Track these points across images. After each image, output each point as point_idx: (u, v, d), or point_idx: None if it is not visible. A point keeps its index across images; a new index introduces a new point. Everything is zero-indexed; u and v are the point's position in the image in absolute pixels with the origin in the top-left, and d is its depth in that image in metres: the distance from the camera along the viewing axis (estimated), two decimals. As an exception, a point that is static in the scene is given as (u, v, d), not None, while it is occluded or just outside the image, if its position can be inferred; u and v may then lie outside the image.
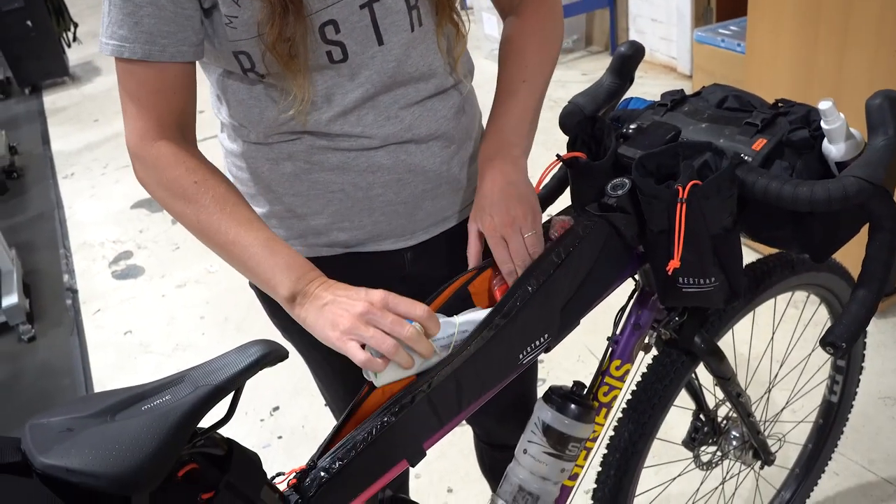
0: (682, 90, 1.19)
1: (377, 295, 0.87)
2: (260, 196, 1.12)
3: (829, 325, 1.21)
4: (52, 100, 5.74)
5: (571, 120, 1.14)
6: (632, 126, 1.10)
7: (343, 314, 0.87)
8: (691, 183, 0.94)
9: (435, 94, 1.09)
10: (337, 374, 1.26)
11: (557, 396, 1.05)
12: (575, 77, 4.30)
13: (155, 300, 3.01)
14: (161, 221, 3.56)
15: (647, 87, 4.05)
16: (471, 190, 1.17)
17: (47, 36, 5.77)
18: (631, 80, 1.21)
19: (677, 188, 0.94)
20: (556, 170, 1.18)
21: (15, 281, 3.00)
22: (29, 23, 5.64)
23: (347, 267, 1.13)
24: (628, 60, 1.17)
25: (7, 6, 5.52)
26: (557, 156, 1.07)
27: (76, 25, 6.11)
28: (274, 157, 1.07)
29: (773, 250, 1.24)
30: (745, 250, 1.01)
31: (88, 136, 4.80)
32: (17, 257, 3.21)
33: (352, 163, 1.06)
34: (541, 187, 1.17)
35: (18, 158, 4.63)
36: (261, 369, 0.76)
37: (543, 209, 1.19)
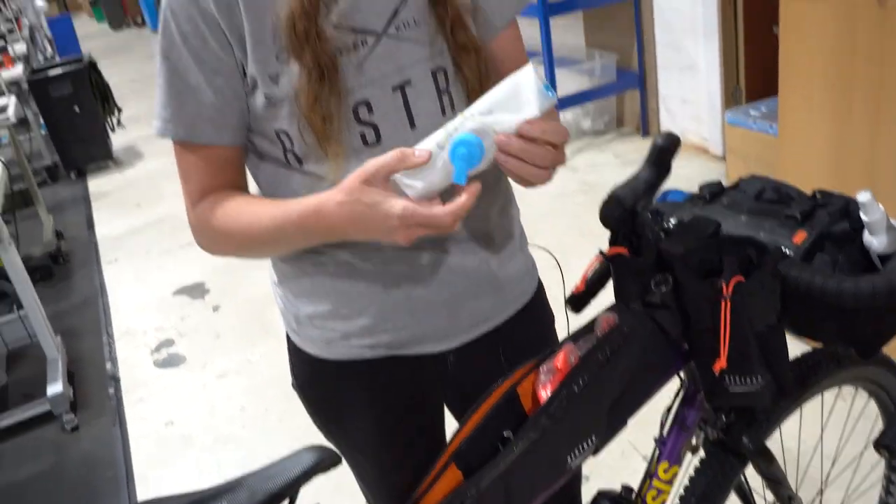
0: (719, 182, 1.20)
1: (399, 215, 0.88)
2: (304, 296, 1.15)
3: (880, 419, 1.19)
4: (96, 184, 5.90)
5: (612, 213, 1.15)
6: (672, 220, 1.12)
7: (387, 236, 0.91)
8: (735, 279, 0.94)
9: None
10: (382, 475, 1.25)
11: (607, 501, 1.04)
12: (607, 159, 4.33)
13: (196, 390, 3.03)
14: (202, 309, 3.61)
15: (679, 168, 3.99)
16: (511, 290, 1.19)
17: (93, 121, 5.96)
18: (668, 171, 1.23)
19: (721, 285, 0.94)
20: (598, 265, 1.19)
21: (60, 369, 3.05)
22: (76, 108, 5.83)
23: (391, 370, 1.14)
24: (665, 152, 1.19)
25: (57, 93, 5.73)
26: (600, 252, 1.09)
27: (120, 110, 6.30)
28: (317, 255, 1.10)
29: (818, 343, 1.23)
30: (789, 342, 1.00)
31: (132, 221, 4.91)
32: (62, 344, 3.27)
33: (394, 262, 1.08)
34: (584, 283, 1.18)
35: (64, 244, 4.74)
36: (315, 475, 0.77)
37: (586, 303, 1.20)
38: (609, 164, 4.27)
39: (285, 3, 0.96)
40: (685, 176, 3.92)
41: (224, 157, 1.05)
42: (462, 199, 0.87)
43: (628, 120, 4.77)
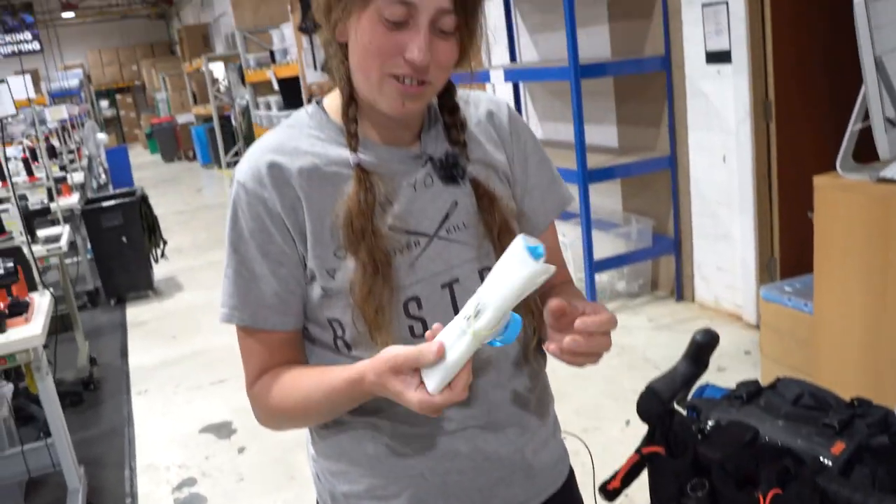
0: (756, 381, 1.22)
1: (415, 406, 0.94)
2: (341, 475, 1.16)
3: None
4: (134, 313, 6.00)
5: (649, 408, 1.17)
6: (710, 422, 1.13)
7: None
8: (773, 492, 0.94)
9: (514, 376, 1.14)
10: None
11: None
12: (641, 323, 4.35)
13: (215, 535, 2.98)
14: (228, 449, 3.59)
15: (713, 331, 4.06)
16: (543, 477, 1.20)
17: (138, 251, 6.14)
18: (706, 367, 1.24)
19: (759, 497, 0.94)
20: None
21: (80, 501, 3.02)
22: (124, 238, 6.03)
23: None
24: (704, 348, 1.21)
25: (108, 223, 5.95)
26: (637, 451, 1.09)
27: (165, 243, 6.49)
28: (357, 436, 1.13)
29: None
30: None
31: (166, 353, 4.97)
32: (84, 475, 3.25)
33: (430, 447, 1.11)
34: (620, 481, 1.18)
35: (97, 370, 4.79)
36: None
37: (620, 493, 1.19)
38: (642, 327, 4.27)
39: (344, 204, 1.05)
40: (720, 344, 3.90)
41: (285, 340, 1.11)
42: (463, 376, 0.94)
43: (663, 284, 4.81)
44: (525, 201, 1.20)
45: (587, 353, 0.97)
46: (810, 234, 2.52)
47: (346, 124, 1.08)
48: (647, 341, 4.06)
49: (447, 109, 1.15)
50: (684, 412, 1.22)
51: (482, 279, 1.08)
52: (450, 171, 1.10)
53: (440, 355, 0.91)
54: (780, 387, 1.18)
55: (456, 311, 1.07)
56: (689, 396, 1.26)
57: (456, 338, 0.92)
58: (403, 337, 1.06)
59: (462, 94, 1.19)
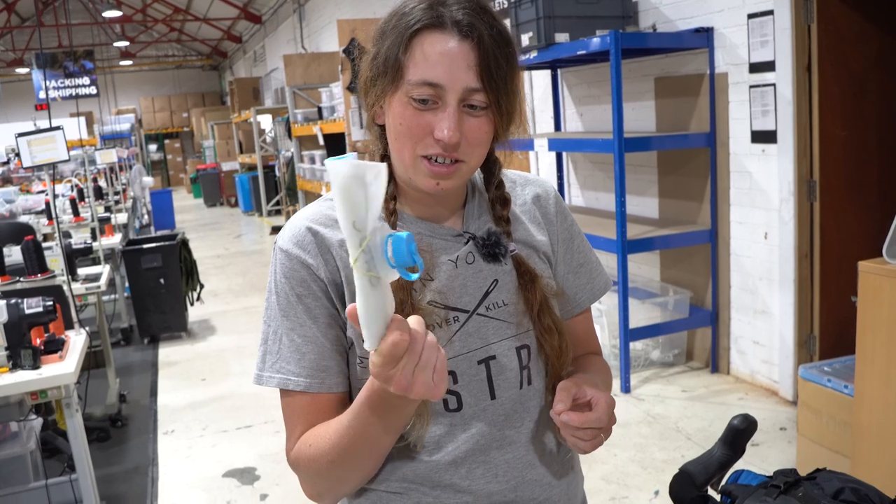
0: (794, 470, 1.19)
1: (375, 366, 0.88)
2: None
3: None
4: (166, 353, 6.05)
5: (682, 491, 1.15)
6: (745, 512, 1.10)
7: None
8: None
9: (545, 456, 1.14)
10: None
11: None
12: (674, 393, 4.28)
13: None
14: (250, 495, 3.57)
15: (747, 410, 3.98)
16: None
17: (175, 293, 6.22)
18: (742, 452, 1.22)
19: None
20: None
21: (99, 538, 3.02)
22: (162, 280, 6.13)
23: None
24: (741, 433, 1.19)
25: (147, 264, 6.06)
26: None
27: (202, 287, 6.56)
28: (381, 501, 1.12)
29: None
30: None
31: (194, 394, 4.98)
32: (105, 513, 3.25)
33: None
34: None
35: (125, 407, 4.81)
36: None
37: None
38: (675, 397, 4.21)
39: None
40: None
41: (336, 402, 1.10)
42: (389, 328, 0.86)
43: (698, 355, 4.74)
44: (568, 280, 1.22)
45: (579, 437, 1.05)
46: (851, 314, 2.48)
47: (385, 201, 1.10)
48: (679, 412, 3.99)
49: (492, 185, 1.17)
50: (718, 497, 1.20)
51: (519, 357, 1.12)
52: (492, 249, 1.12)
53: (352, 312, 0.85)
54: (821, 479, 1.15)
55: (491, 388, 1.09)
56: (724, 481, 1.23)
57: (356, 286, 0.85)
58: (437, 410, 1.07)
59: (511, 175, 1.23)
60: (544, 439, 1.15)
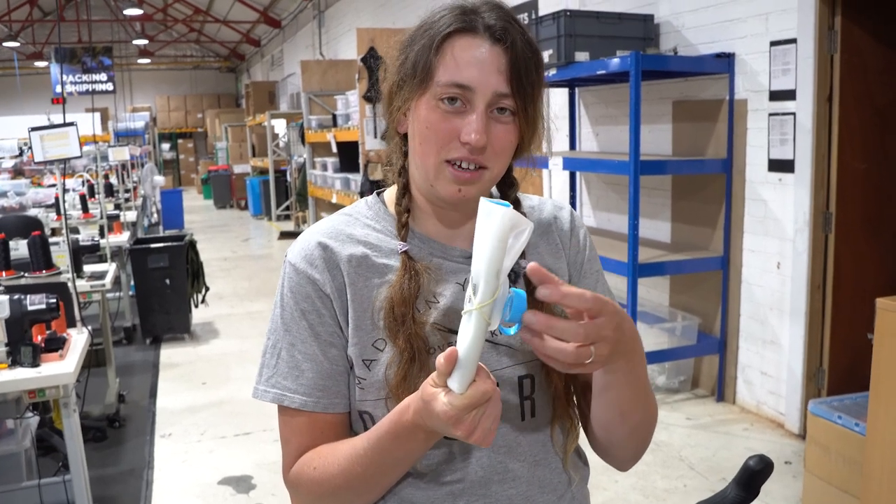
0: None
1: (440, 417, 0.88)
2: None
3: None
4: (168, 354, 6.02)
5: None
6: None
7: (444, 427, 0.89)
8: None
9: (550, 493, 1.10)
10: None
11: None
12: (678, 420, 4.23)
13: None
14: (245, 503, 3.53)
15: (752, 441, 3.93)
16: None
17: (180, 294, 6.20)
18: (756, 494, 1.17)
19: None
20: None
21: (88, 542, 2.97)
22: (167, 280, 6.11)
23: None
24: (757, 476, 1.15)
25: (154, 264, 6.04)
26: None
27: (208, 289, 6.54)
28: None
29: None
30: None
31: (194, 398, 4.95)
32: (97, 515, 3.20)
33: None
34: None
35: (124, 407, 4.78)
36: None
37: None
38: (680, 425, 4.15)
39: (387, 290, 1.05)
40: (759, 450, 3.76)
41: (333, 423, 1.09)
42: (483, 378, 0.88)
43: (704, 383, 4.69)
44: None
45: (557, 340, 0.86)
46: (862, 349, 2.44)
47: (398, 213, 1.10)
48: (683, 440, 3.94)
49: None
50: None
51: (521, 386, 1.08)
52: None
53: (454, 354, 0.86)
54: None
55: None
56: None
57: (464, 327, 0.87)
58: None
59: (529, 200, 1.21)
60: (550, 475, 1.10)
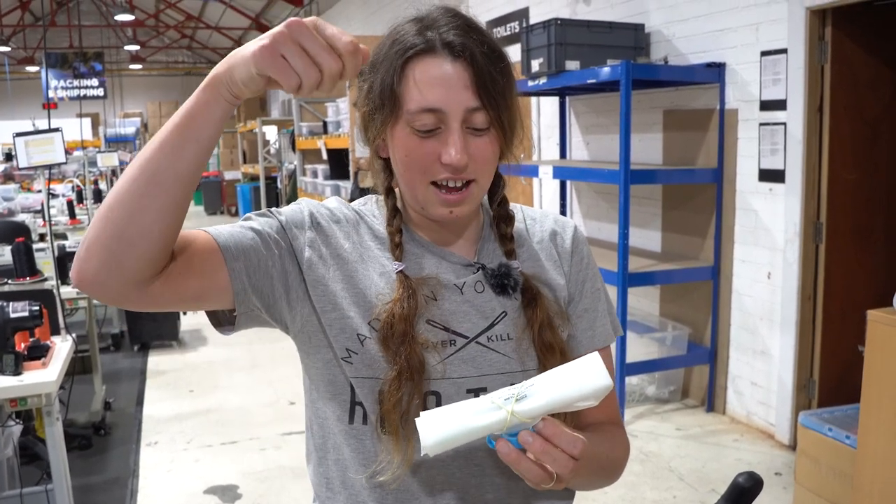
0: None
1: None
2: None
3: None
4: (155, 361, 5.97)
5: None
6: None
7: (267, 35, 0.82)
8: None
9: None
10: None
11: None
12: (668, 430, 4.21)
13: None
14: (229, 513, 3.49)
15: (742, 452, 3.92)
16: None
17: (169, 302, 6.14)
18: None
19: None
20: None
21: (71, 553, 2.93)
22: (156, 287, 6.05)
23: None
24: (746, 493, 1.13)
25: (142, 271, 5.99)
26: None
27: (197, 296, 6.48)
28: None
29: None
30: None
31: (181, 406, 4.90)
32: (80, 525, 3.16)
33: None
34: None
35: (110, 415, 4.73)
36: None
37: None
38: (669, 435, 4.13)
39: (386, 305, 1.04)
40: (749, 462, 3.75)
41: (211, 247, 1.01)
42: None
43: (694, 393, 4.67)
44: (575, 324, 1.17)
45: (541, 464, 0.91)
46: (853, 361, 2.43)
47: (391, 234, 1.10)
48: (673, 451, 3.92)
49: (495, 201, 1.15)
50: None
51: None
52: (501, 280, 1.09)
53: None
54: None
55: None
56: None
57: (481, 408, 0.89)
58: (413, 427, 1.01)
59: (530, 211, 1.20)
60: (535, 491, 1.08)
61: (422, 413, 0.89)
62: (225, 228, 1.03)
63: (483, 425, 0.88)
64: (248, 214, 1.08)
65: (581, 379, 0.90)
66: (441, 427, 0.88)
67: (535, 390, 0.89)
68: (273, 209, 1.10)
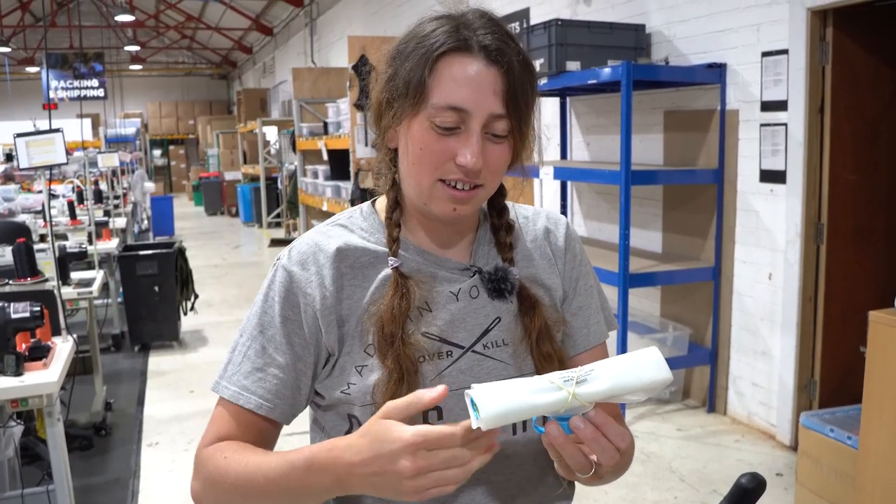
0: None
1: (409, 440, 0.84)
2: None
3: None
4: (156, 361, 5.97)
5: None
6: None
7: (396, 482, 0.85)
8: None
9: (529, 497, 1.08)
10: None
11: None
12: (669, 431, 4.21)
13: None
14: (230, 514, 3.48)
15: (743, 452, 3.91)
16: None
17: (169, 302, 6.15)
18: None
19: None
20: None
21: (72, 553, 2.93)
22: (156, 288, 6.06)
23: None
24: (749, 494, 1.12)
25: (143, 271, 6.00)
26: None
27: (197, 297, 6.49)
28: None
29: None
30: None
31: (181, 406, 4.90)
32: (81, 526, 3.16)
33: None
34: None
35: (111, 416, 4.73)
36: None
37: None
38: (670, 436, 4.13)
39: (378, 307, 1.03)
40: (750, 463, 3.75)
41: (265, 429, 1.07)
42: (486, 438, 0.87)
43: (695, 394, 4.67)
44: (569, 322, 1.17)
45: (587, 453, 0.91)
46: (854, 361, 2.43)
47: (389, 228, 1.08)
48: (674, 451, 3.91)
49: (501, 227, 1.14)
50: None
51: None
52: (497, 284, 1.08)
53: (442, 396, 0.87)
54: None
55: None
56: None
57: (537, 387, 0.87)
58: None
59: (522, 210, 1.20)
60: (539, 488, 1.08)
61: (473, 385, 0.87)
62: (267, 387, 1.05)
63: (541, 403, 0.86)
64: (254, 335, 1.07)
65: (643, 369, 0.90)
66: (499, 400, 0.84)
67: (597, 375, 0.88)
68: (266, 322, 1.08)
